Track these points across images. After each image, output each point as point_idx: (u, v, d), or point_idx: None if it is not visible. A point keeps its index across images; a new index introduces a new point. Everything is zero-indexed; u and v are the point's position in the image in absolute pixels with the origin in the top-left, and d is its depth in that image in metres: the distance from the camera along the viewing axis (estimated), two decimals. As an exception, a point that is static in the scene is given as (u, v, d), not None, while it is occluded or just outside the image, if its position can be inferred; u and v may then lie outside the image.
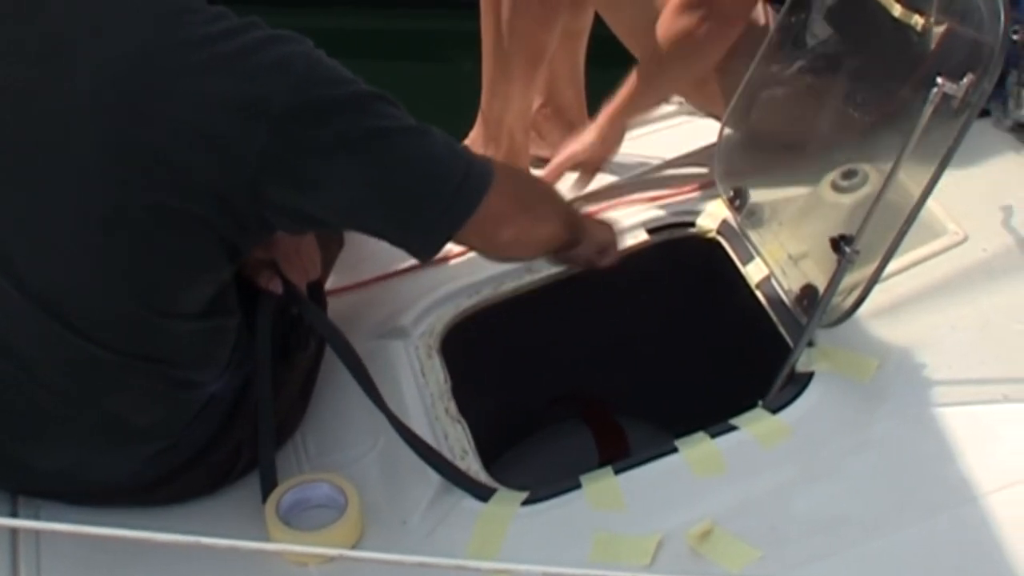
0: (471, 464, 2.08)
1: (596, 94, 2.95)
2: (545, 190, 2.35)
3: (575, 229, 2.21)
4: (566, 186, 2.62)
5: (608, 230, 2.35)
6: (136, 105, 1.75)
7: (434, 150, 1.90)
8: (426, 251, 1.98)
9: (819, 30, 2.37)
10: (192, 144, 1.75)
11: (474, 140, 2.85)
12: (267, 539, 1.94)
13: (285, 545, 1.86)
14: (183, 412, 2.00)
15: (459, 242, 2.04)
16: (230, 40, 1.78)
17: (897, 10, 2.16)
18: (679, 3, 2.46)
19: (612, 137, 2.60)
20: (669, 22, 2.48)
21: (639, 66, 2.57)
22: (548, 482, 2.08)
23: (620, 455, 2.76)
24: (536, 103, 2.96)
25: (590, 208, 2.55)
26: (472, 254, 2.31)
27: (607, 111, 2.60)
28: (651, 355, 2.72)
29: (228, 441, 2.04)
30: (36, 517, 2.02)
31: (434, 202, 1.90)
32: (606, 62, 2.75)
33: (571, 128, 2.97)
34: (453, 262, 2.44)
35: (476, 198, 1.91)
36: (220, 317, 1.98)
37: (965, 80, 1.97)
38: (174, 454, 2.01)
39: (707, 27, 2.44)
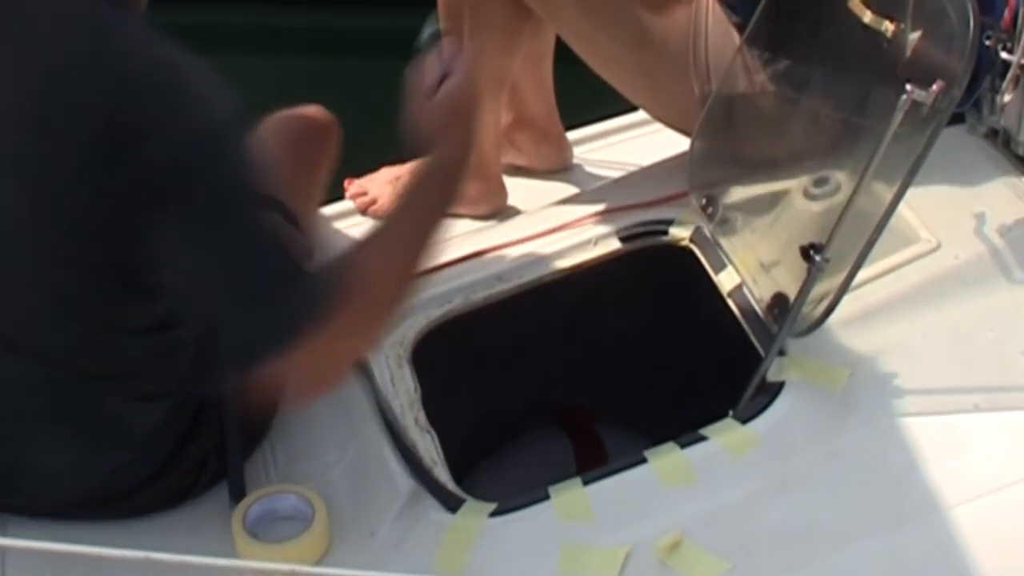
0: (440, 475, 2.07)
1: (566, 92, 2.95)
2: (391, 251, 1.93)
3: (440, 219, 1.95)
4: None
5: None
6: (40, 128, 1.73)
7: (287, 264, 1.77)
8: (241, 360, 1.77)
9: (790, 37, 2.36)
10: (82, 184, 1.72)
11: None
12: (234, 551, 1.93)
13: (235, 561, 1.84)
14: (144, 425, 1.98)
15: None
16: (146, 76, 1.74)
17: (867, 16, 2.15)
18: None
19: None
20: None
21: None
22: (525, 491, 2.07)
23: (598, 462, 2.76)
24: (508, 118, 2.94)
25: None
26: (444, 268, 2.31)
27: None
28: (626, 363, 2.71)
29: (194, 450, 2.02)
30: (3, 532, 1.99)
31: (272, 307, 1.75)
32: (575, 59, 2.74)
33: (544, 137, 2.96)
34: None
35: (319, 310, 1.74)
36: (175, 329, 1.94)
37: (934, 87, 1.96)
38: (139, 466, 1.99)
39: None
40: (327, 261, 1.82)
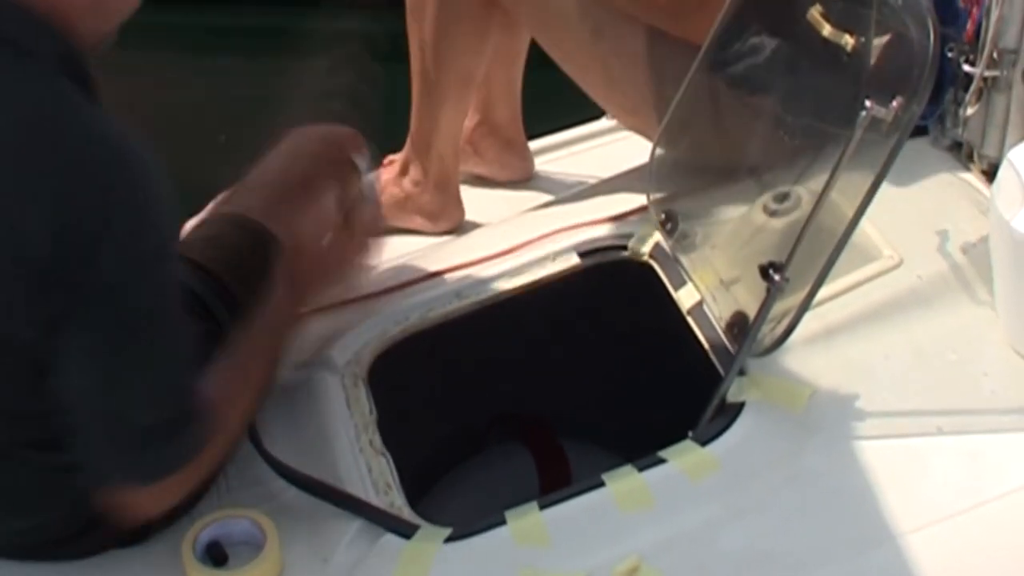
0: (395, 499, 2.03)
1: (534, 97, 2.92)
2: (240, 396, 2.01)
3: (288, 331, 2.08)
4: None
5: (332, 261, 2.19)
6: None
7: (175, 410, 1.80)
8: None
9: (750, 51, 2.33)
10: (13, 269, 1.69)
11: (404, 162, 2.80)
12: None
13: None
14: (70, 490, 1.91)
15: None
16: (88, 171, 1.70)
17: (827, 30, 2.13)
18: None
19: None
20: None
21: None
22: (487, 508, 2.04)
23: (561, 476, 2.74)
24: (472, 120, 2.92)
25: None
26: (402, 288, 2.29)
27: None
28: (588, 378, 2.69)
29: None
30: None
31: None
32: (544, 65, 2.71)
33: (508, 145, 2.93)
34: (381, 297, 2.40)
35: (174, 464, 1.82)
36: None
37: (894, 103, 1.93)
38: (71, 520, 1.95)
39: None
40: (193, 408, 1.82)
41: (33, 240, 1.66)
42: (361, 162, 2.30)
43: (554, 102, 2.83)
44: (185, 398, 1.80)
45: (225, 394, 1.89)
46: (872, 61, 2.09)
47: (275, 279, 2.06)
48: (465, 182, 2.92)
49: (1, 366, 1.79)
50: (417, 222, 2.79)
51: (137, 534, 1.99)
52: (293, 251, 2.14)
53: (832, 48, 2.13)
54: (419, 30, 2.67)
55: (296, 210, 2.26)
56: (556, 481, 2.67)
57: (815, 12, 2.13)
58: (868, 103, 1.93)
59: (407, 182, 2.80)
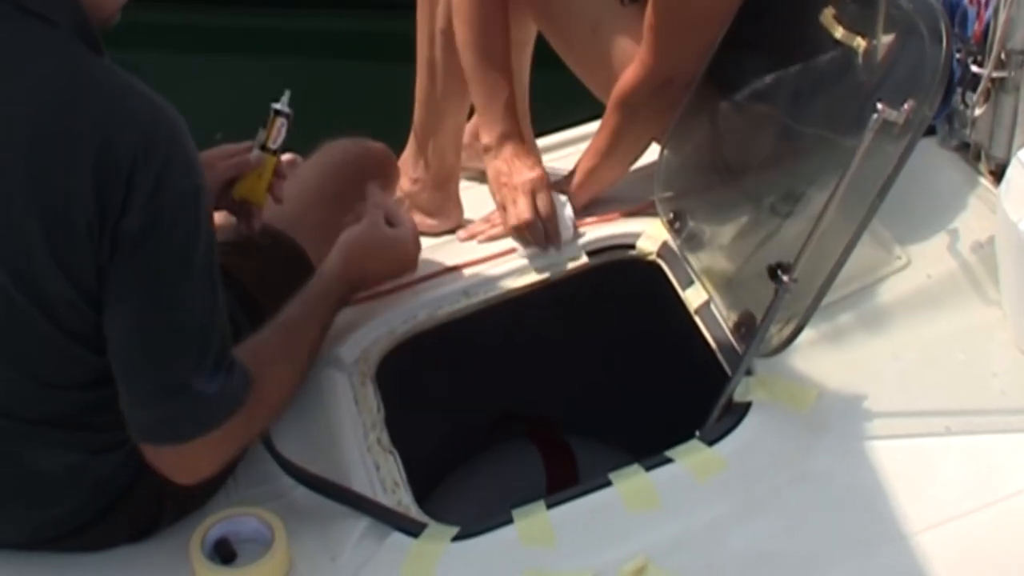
0: (402, 497, 2.03)
1: (540, 98, 2.91)
2: (279, 380, 2.03)
3: (329, 320, 2.14)
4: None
5: (387, 252, 2.27)
6: (8, 191, 1.73)
7: (210, 359, 1.83)
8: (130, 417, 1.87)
9: (762, 51, 2.33)
10: (57, 236, 1.73)
11: (405, 159, 2.80)
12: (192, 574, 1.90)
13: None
14: (91, 473, 1.94)
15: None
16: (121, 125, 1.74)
17: (839, 32, 2.12)
18: (641, 86, 2.42)
19: (577, 208, 2.56)
20: (630, 102, 2.44)
21: (598, 139, 2.53)
22: (494, 505, 2.05)
23: (568, 474, 2.74)
24: None
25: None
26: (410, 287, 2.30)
27: (571, 183, 2.57)
28: (595, 376, 2.69)
29: (146, 493, 1.98)
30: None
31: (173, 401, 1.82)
32: (552, 64, 2.71)
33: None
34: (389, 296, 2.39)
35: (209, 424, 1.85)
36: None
37: (905, 106, 1.93)
38: (82, 511, 1.95)
39: (668, 99, 2.42)
40: (233, 369, 1.86)
41: (80, 188, 1.71)
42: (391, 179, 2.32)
43: (558, 104, 2.83)
44: (219, 344, 1.84)
45: (264, 358, 1.94)
46: (884, 64, 2.09)
47: (327, 265, 2.15)
48: (469, 179, 2.91)
49: (36, 333, 1.80)
50: (415, 221, 2.77)
51: (147, 529, 2.00)
52: (349, 241, 2.19)
53: (844, 50, 2.12)
54: (430, 19, 2.67)
55: (328, 225, 2.28)
56: (563, 478, 2.68)
57: (828, 14, 2.13)
58: (880, 105, 1.93)
59: (406, 180, 2.79)
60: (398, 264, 2.30)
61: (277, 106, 2.23)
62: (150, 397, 1.82)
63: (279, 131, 2.22)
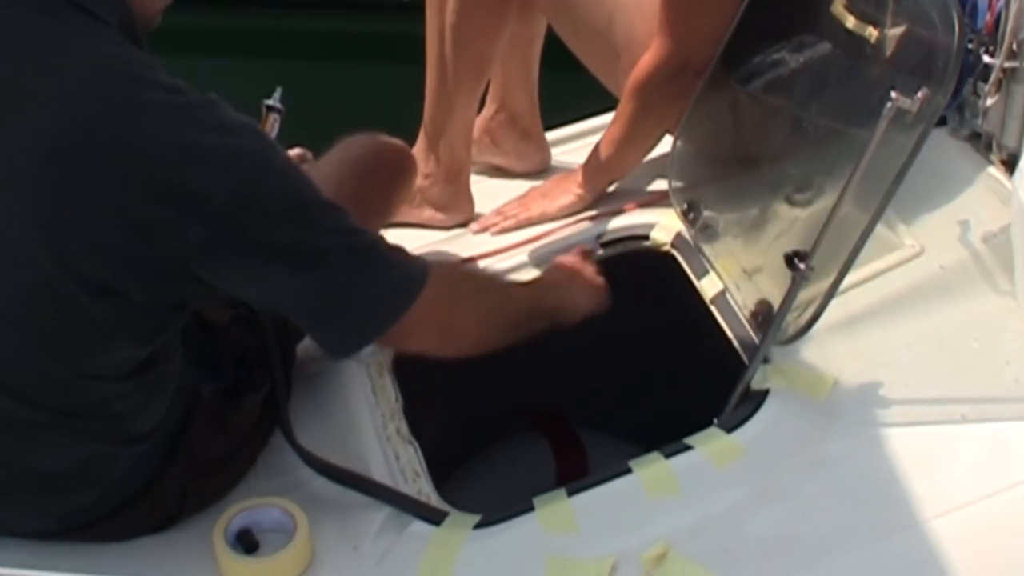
0: (423, 486, 2.05)
1: (550, 97, 2.93)
2: (484, 289, 2.22)
3: (541, 310, 2.18)
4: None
5: (590, 287, 2.30)
6: (70, 179, 1.72)
7: (367, 270, 1.86)
8: (337, 353, 1.97)
9: (773, 41, 2.34)
10: (122, 226, 1.73)
11: (416, 154, 2.81)
12: (216, 567, 1.91)
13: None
14: (117, 463, 1.95)
15: (384, 345, 2.05)
16: (179, 117, 1.75)
17: (851, 22, 2.14)
18: (657, 72, 2.44)
19: (591, 199, 2.57)
20: (645, 89, 2.46)
21: (614, 127, 2.55)
22: (505, 497, 2.05)
23: (579, 467, 2.75)
24: (490, 110, 2.92)
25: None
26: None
27: (587, 173, 2.58)
28: (609, 368, 2.70)
29: (169, 483, 2.00)
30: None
31: (356, 313, 1.88)
32: (560, 65, 2.72)
33: (525, 135, 2.94)
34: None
35: (398, 310, 1.89)
36: (157, 367, 1.93)
37: (919, 94, 1.94)
38: (106, 502, 1.97)
39: (683, 85, 2.44)
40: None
41: (140, 180, 1.72)
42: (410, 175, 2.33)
43: (569, 101, 2.84)
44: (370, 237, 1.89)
45: (451, 278, 2.06)
46: (896, 53, 2.10)
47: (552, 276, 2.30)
48: (480, 174, 2.92)
49: (70, 323, 1.80)
50: (426, 215, 2.78)
51: (170, 520, 2.01)
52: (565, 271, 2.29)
53: (856, 40, 2.14)
54: (439, 14, 2.68)
55: None
56: (573, 470, 2.68)
57: (839, 5, 2.14)
58: (894, 94, 1.93)
59: (417, 175, 2.81)
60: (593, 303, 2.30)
61: (269, 102, 2.25)
62: (355, 322, 1.88)
63: (272, 127, 2.24)
